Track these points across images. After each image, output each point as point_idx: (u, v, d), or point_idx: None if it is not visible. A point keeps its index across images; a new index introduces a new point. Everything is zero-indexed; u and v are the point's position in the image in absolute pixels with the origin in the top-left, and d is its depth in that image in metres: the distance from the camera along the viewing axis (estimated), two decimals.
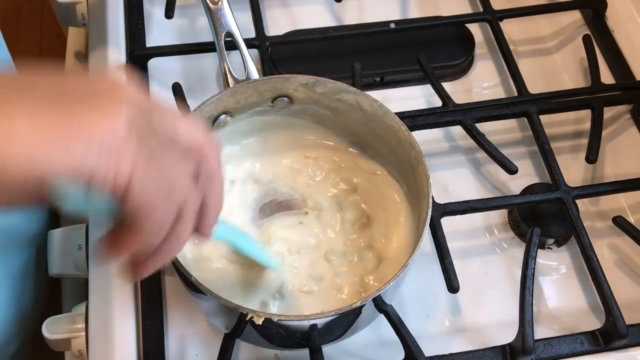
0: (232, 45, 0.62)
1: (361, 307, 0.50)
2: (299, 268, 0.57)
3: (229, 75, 0.60)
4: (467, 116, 0.67)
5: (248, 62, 0.61)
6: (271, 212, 0.60)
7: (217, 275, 0.55)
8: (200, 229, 0.40)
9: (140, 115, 0.34)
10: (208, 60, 0.74)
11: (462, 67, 0.77)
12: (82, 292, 0.72)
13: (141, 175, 0.33)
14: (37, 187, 0.33)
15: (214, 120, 0.59)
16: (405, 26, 0.76)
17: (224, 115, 0.59)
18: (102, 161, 0.32)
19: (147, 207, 0.34)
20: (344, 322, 0.53)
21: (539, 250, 0.61)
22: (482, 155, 0.68)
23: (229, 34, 0.61)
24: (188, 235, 0.38)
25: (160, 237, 0.36)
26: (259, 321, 0.48)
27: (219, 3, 0.61)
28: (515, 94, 0.71)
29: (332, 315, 0.50)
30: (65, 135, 0.31)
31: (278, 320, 0.48)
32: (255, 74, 0.61)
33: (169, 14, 0.74)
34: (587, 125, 0.70)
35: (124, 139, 0.32)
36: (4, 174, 0.31)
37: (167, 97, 0.67)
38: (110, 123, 0.32)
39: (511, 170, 0.65)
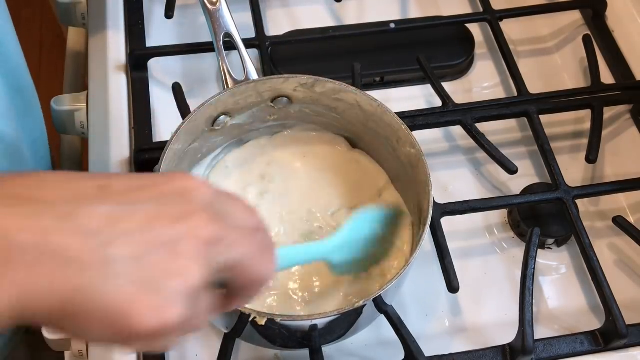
0: (231, 45, 0.62)
1: (362, 307, 0.50)
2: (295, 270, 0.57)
3: (228, 76, 0.60)
4: (467, 116, 0.67)
5: (247, 63, 0.61)
6: None
7: None
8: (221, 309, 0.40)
9: (205, 277, 0.34)
10: (208, 60, 0.74)
11: (462, 67, 0.77)
12: None
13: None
14: None
15: (214, 121, 0.59)
16: (405, 26, 0.76)
17: (223, 116, 0.59)
18: (142, 347, 0.35)
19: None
20: (345, 323, 0.53)
21: (539, 250, 0.61)
22: (482, 155, 0.68)
23: (228, 35, 0.61)
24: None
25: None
26: (262, 322, 0.48)
27: (217, 4, 0.61)
28: (515, 94, 0.71)
29: (333, 316, 0.50)
30: (122, 329, 0.32)
31: (281, 320, 0.48)
32: (254, 74, 0.61)
33: (169, 14, 0.74)
34: (587, 125, 0.70)
35: (169, 331, 0.33)
36: None
37: (167, 97, 0.67)
38: (165, 320, 0.32)
39: (511, 170, 0.65)
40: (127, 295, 0.32)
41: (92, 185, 0.34)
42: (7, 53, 0.63)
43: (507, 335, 0.57)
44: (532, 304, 0.57)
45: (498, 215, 0.67)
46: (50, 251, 0.31)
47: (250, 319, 0.48)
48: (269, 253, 0.38)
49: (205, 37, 0.64)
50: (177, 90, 0.66)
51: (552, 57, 0.79)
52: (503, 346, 0.57)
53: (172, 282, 0.33)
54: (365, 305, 0.49)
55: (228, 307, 0.39)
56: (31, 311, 0.31)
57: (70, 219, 0.32)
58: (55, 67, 1.12)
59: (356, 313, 0.52)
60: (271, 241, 0.39)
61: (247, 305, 0.48)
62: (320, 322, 0.50)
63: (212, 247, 0.34)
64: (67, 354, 0.67)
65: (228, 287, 0.37)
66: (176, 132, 0.55)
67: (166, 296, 0.32)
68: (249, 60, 0.61)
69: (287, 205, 0.61)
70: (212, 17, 0.62)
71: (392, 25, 0.75)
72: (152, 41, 0.74)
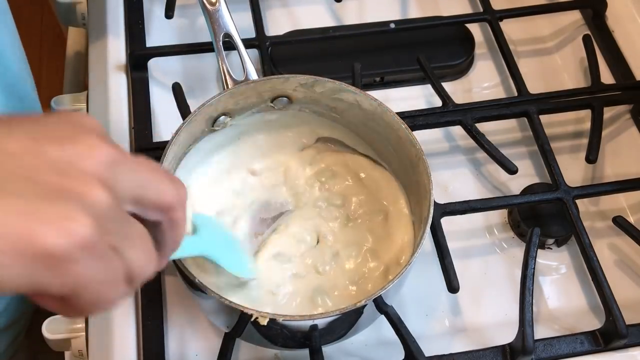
0: (230, 45, 0.62)
1: (362, 307, 0.50)
2: (301, 265, 0.57)
3: (227, 77, 0.60)
4: (467, 116, 0.67)
5: (247, 63, 0.61)
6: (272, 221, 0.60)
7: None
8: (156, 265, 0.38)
9: (108, 196, 0.32)
10: (208, 60, 0.74)
11: (462, 67, 0.77)
12: None
13: (91, 276, 0.31)
14: None
15: (214, 121, 0.59)
16: (405, 26, 0.76)
17: (223, 117, 0.59)
18: (53, 275, 0.30)
19: (93, 298, 0.33)
20: (345, 322, 0.53)
21: (539, 250, 0.61)
22: (482, 155, 0.68)
23: (227, 35, 0.61)
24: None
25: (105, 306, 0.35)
26: (264, 322, 0.48)
27: (217, 4, 0.61)
28: (515, 94, 0.71)
29: (334, 315, 0.50)
30: (22, 247, 0.29)
31: (282, 320, 0.48)
32: (254, 74, 0.61)
33: (169, 13, 0.74)
34: (587, 125, 0.70)
35: (81, 247, 0.30)
36: None
37: (167, 97, 0.67)
38: (70, 232, 0.30)
39: (511, 170, 0.65)
40: (26, 212, 0.29)
41: None
42: (7, 64, 0.62)
43: (507, 335, 0.57)
44: (532, 304, 0.57)
45: (498, 215, 0.67)
46: None
47: (252, 319, 0.48)
48: (174, 180, 0.36)
49: (205, 37, 0.64)
50: (177, 90, 0.66)
51: (552, 57, 0.79)
52: (503, 346, 0.57)
53: (73, 197, 0.30)
54: (366, 305, 0.50)
55: (162, 254, 0.37)
56: None
57: None
58: (55, 67, 1.12)
59: (356, 313, 0.52)
60: (166, 171, 0.37)
61: (247, 305, 0.48)
62: (321, 322, 0.50)
63: (111, 168, 0.32)
64: (67, 354, 0.68)
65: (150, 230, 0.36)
66: (177, 132, 0.55)
67: (68, 209, 0.30)
68: (249, 60, 0.61)
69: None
70: (212, 18, 0.62)
71: (392, 25, 0.75)
72: (152, 41, 0.74)
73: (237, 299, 0.51)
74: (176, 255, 0.43)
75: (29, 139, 0.31)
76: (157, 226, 0.36)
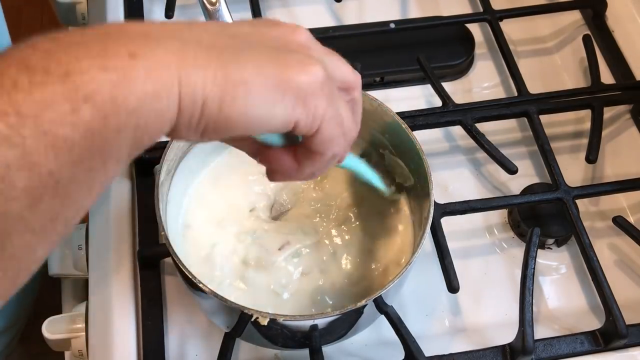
0: None
1: (362, 307, 0.50)
2: (299, 262, 0.57)
3: None
4: (467, 116, 0.67)
5: None
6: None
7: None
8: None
9: (321, 59, 0.38)
10: None
11: (462, 67, 0.77)
12: (82, 292, 0.72)
13: (330, 115, 0.38)
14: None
15: None
16: (405, 26, 0.76)
17: None
18: (307, 111, 0.36)
19: (332, 140, 0.39)
20: (345, 323, 0.53)
21: (539, 250, 0.61)
22: (482, 155, 0.68)
23: None
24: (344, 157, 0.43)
25: (332, 159, 0.41)
26: (264, 322, 0.48)
27: (217, 4, 0.61)
28: (515, 94, 0.71)
29: (334, 315, 0.50)
30: (283, 88, 0.35)
31: (283, 320, 0.48)
32: None
33: (169, 13, 0.74)
34: (587, 125, 0.70)
35: (321, 87, 0.36)
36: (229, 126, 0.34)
37: None
38: (312, 76, 0.36)
39: (511, 170, 0.65)
40: (274, 59, 0.35)
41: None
42: None
43: (507, 335, 0.57)
44: (532, 304, 0.57)
45: (498, 215, 0.67)
46: (189, 41, 0.33)
47: (253, 319, 0.48)
48: (351, 67, 0.43)
49: None
50: None
51: (552, 57, 0.79)
52: (503, 346, 0.57)
53: (301, 50, 0.38)
54: (366, 305, 0.49)
55: (354, 115, 0.42)
56: (189, 93, 0.32)
57: (190, 29, 0.35)
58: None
59: (356, 313, 0.52)
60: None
61: (248, 306, 0.48)
62: (321, 322, 0.50)
63: (314, 41, 0.40)
64: (67, 354, 0.68)
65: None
66: None
67: (304, 58, 0.37)
68: None
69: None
70: (212, 18, 0.61)
71: (392, 25, 0.75)
72: None
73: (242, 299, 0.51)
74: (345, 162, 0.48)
75: (252, 25, 0.39)
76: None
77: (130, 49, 0.30)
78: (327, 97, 0.37)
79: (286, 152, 0.41)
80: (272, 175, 0.43)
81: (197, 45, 0.33)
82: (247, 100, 0.34)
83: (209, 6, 0.62)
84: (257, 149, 0.43)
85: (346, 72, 0.41)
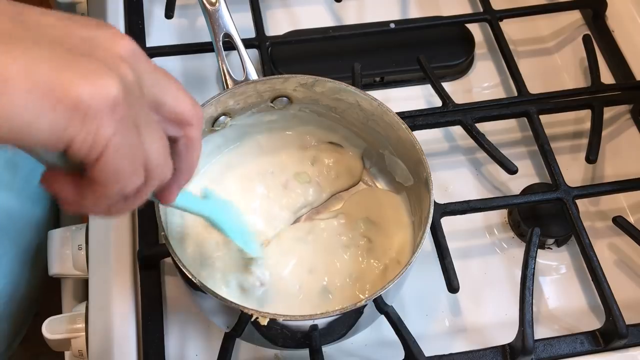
0: (230, 45, 0.62)
1: (363, 307, 0.50)
2: (296, 265, 0.57)
3: (227, 77, 0.60)
4: (467, 116, 0.67)
5: (246, 63, 0.61)
6: None
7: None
8: (163, 193, 0.39)
9: (134, 77, 0.33)
10: (208, 60, 0.74)
11: (462, 67, 0.77)
12: (82, 292, 0.72)
13: (118, 144, 0.32)
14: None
15: (214, 122, 0.59)
16: (405, 26, 0.76)
17: (223, 117, 0.59)
18: (85, 130, 0.30)
19: (117, 174, 0.33)
20: (346, 323, 0.53)
21: (539, 250, 0.61)
22: (482, 155, 0.68)
23: (227, 35, 0.61)
24: (148, 196, 0.37)
25: (120, 196, 0.35)
26: (264, 322, 0.48)
27: (217, 4, 0.61)
28: (515, 94, 0.71)
29: (334, 315, 0.50)
30: (55, 96, 0.29)
31: (283, 320, 0.48)
32: (254, 74, 0.61)
33: (169, 14, 0.74)
34: (587, 125, 0.70)
35: (111, 107, 0.31)
36: None
37: None
38: (100, 89, 0.30)
39: (511, 170, 0.65)
40: (59, 61, 0.30)
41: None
42: None
43: (507, 335, 0.57)
44: (532, 304, 0.57)
45: (498, 215, 0.67)
46: None
47: (252, 319, 0.48)
48: (191, 96, 0.37)
49: (205, 37, 0.64)
50: None
51: (552, 57, 0.79)
52: (503, 346, 0.57)
53: (103, 60, 0.31)
54: (366, 305, 0.49)
55: (176, 179, 0.37)
56: None
57: None
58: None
59: (357, 313, 0.52)
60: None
61: (249, 306, 0.48)
62: (321, 322, 0.50)
63: (134, 58, 0.33)
64: (67, 354, 0.68)
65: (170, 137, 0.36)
66: None
67: (99, 68, 0.31)
68: (249, 60, 0.61)
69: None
70: (211, 18, 0.62)
71: (392, 25, 0.75)
72: (152, 41, 0.74)
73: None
74: (183, 203, 0.43)
75: (62, 19, 0.32)
76: (173, 146, 0.37)
77: None
78: (118, 121, 0.31)
79: (69, 176, 0.34)
80: (59, 203, 0.36)
81: None
82: (7, 99, 0.28)
83: (208, 6, 0.62)
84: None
85: (182, 104, 0.35)
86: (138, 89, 0.33)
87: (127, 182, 0.33)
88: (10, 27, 0.30)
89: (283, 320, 0.48)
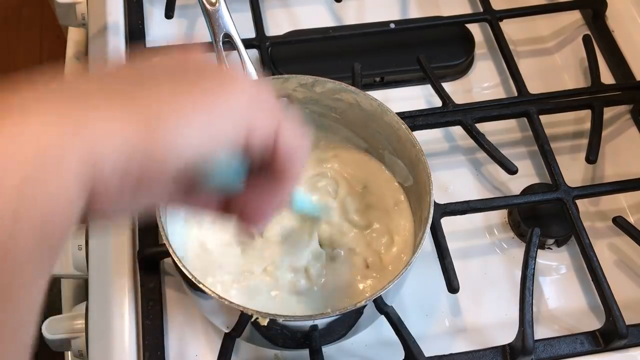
0: (231, 45, 0.62)
1: (362, 307, 0.50)
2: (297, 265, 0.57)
3: None
4: (467, 116, 0.67)
5: (247, 63, 0.61)
6: None
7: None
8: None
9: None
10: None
11: (462, 67, 0.77)
12: (82, 292, 0.72)
13: (283, 122, 0.34)
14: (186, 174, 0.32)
15: None
16: (405, 26, 0.76)
17: None
18: (252, 116, 0.33)
19: (296, 149, 0.35)
20: (346, 323, 0.53)
21: (539, 250, 0.61)
22: (482, 155, 0.68)
23: (227, 35, 0.61)
24: None
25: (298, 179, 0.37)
26: (264, 322, 0.48)
27: (217, 4, 0.61)
28: (515, 94, 0.71)
29: (334, 315, 0.50)
30: (212, 114, 0.31)
31: (283, 320, 0.48)
32: (254, 74, 0.61)
33: (169, 14, 0.74)
34: (587, 125, 0.70)
35: (256, 98, 0.33)
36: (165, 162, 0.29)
37: None
38: (240, 90, 0.33)
39: (511, 170, 0.65)
40: (189, 79, 0.32)
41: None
42: None
43: (507, 335, 0.57)
44: (532, 304, 0.57)
45: (498, 216, 0.67)
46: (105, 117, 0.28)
47: (252, 319, 0.48)
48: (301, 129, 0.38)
49: (205, 37, 0.64)
50: None
51: (552, 57, 0.79)
52: (503, 346, 0.57)
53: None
54: (366, 305, 0.49)
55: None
56: (102, 168, 0.27)
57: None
58: (56, 67, 1.12)
59: (357, 313, 0.52)
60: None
61: (249, 306, 0.48)
62: (321, 322, 0.50)
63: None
64: (67, 354, 0.68)
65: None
66: None
67: (230, 73, 0.34)
68: (249, 60, 0.61)
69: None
70: (211, 18, 0.62)
71: (392, 25, 0.75)
72: (152, 41, 0.74)
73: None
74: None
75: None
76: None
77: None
78: (269, 109, 0.34)
79: (251, 189, 0.37)
80: (246, 222, 0.38)
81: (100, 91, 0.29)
82: (179, 125, 0.30)
83: (208, 6, 0.62)
84: (221, 201, 0.38)
85: (290, 140, 0.36)
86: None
87: (304, 159, 0.36)
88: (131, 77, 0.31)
89: (283, 320, 0.48)
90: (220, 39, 0.61)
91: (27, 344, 0.26)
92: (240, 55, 0.61)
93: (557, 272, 0.64)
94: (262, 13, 0.75)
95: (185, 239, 0.57)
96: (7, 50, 1.66)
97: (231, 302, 0.48)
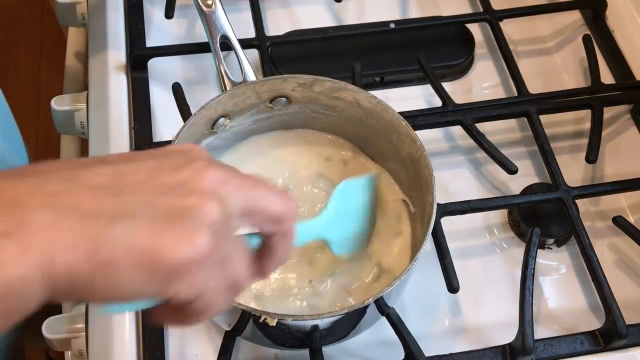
0: (229, 46, 0.62)
1: (365, 307, 0.50)
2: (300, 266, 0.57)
3: (225, 78, 0.60)
4: (467, 116, 0.67)
5: (244, 64, 0.61)
6: None
7: None
8: (261, 273, 0.42)
9: (220, 213, 0.35)
10: (208, 61, 0.73)
11: (462, 67, 0.77)
12: None
13: (213, 285, 0.35)
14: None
15: (213, 124, 0.59)
16: (405, 26, 0.76)
17: (222, 118, 0.59)
18: (184, 285, 0.34)
19: (211, 304, 0.36)
20: (348, 323, 0.53)
21: (539, 250, 0.61)
22: (482, 155, 0.68)
23: (225, 37, 0.62)
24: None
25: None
26: (273, 322, 0.48)
27: (213, 6, 0.61)
28: (515, 94, 0.71)
29: (338, 315, 0.50)
30: (154, 267, 0.32)
31: (292, 320, 0.48)
32: (252, 75, 0.61)
33: (169, 14, 0.74)
34: (587, 125, 0.70)
35: (204, 259, 0.34)
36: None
37: (167, 97, 0.67)
38: (195, 247, 0.33)
39: (511, 170, 0.65)
40: (151, 231, 0.33)
41: (90, 158, 0.36)
42: None
43: (507, 335, 0.57)
44: (532, 304, 0.57)
45: (498, 215, 0.67)
46: (64, 210, 0.31)
47: (261, 320, 0.48)
48: (283, 194, 0.40)
49: (205, 37, 0.64)
50: (177, 90, 0.66)
51: (552, 57, 0.79)
52: (503, 346, 0.57)
53: (191, 214, 0.34)
54: (368, 305, 0.49)
55: (271, 264, 0.40)
56: (60, 273, 0.31)
57: (76, 181, 0.33)
58: (55, 67, 1.12)
59: (359, 314, 0.52)
60: (275, 186, 0.40)
61: (253, 305, 0.48)
62: (324, 322, 0.50)
63: (220, 186, 0.36)
64: (67, 354, 0.68)
65: (263, 243, 0.40)
66: (177, 135, 0.55)
67: (189, 226, 0.33)
68: (246, 61, 0.61)
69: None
70: (208, 20, 0.62)
71: (392, 25, 0.75)
72: (152, 41, 0.74)
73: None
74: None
75: (149, 171, 0.35)
76: (270, 238, 0.40)
77: (1, 227, 0.30)
78: (211, 266, 0.35)
79: (168, 309, 0.37)
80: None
81: (72, 214, 0.32)
82: (115, 279, 0.32)
83: (204, 8, 0.62)
84: None
85: (273, 205, 0.38)
86: (225, 219, 0.35)
87: (222, 305, 0.37)
88: (108, 205, 0.33)
89: (292, 320, 0.48)
90: (218, 40, 0.61)
91: None
92: (237, 57, 0.61)
93: (557, 272, 0.64)
94: (262, 13, 0.75)
95: None
96: (7, 51, 1.67)
97: (239, 304, 0.48)
